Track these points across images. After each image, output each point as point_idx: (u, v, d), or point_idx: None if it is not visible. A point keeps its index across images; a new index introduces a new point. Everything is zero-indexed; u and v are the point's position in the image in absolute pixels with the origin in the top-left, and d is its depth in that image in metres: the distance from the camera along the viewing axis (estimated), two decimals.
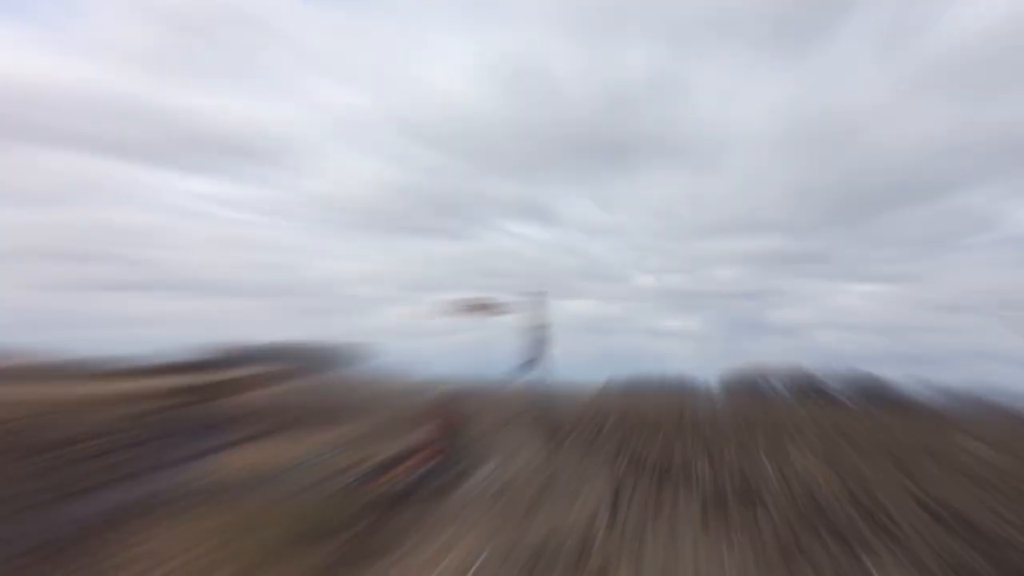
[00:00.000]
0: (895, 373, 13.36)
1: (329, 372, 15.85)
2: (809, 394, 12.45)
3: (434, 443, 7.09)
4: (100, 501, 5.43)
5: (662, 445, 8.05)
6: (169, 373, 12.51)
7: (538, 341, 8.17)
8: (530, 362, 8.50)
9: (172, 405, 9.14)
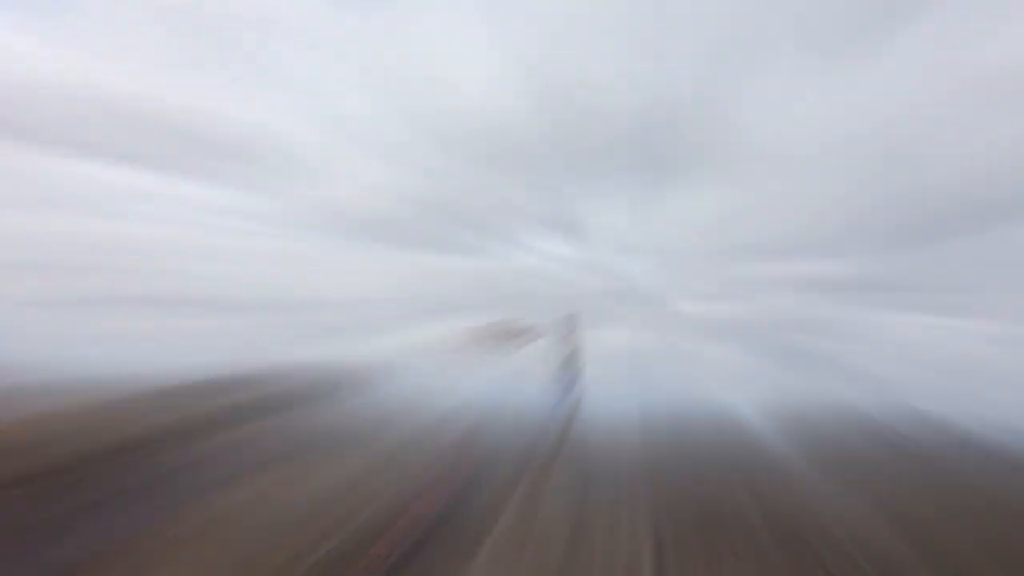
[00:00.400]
0: (973, 419, 12.31)
1: (335, 399, 15.22)
2: (874, 440, 11.50)
3: (444, 489, 6.37)
4: (67, 547, 4.87)
5: (711, 494, 7.26)
6: (163, 398, 11.96)
7: (569, 370, 7.39)
8: (560, 394, 7.69)
9: (161, 436, 8.59)
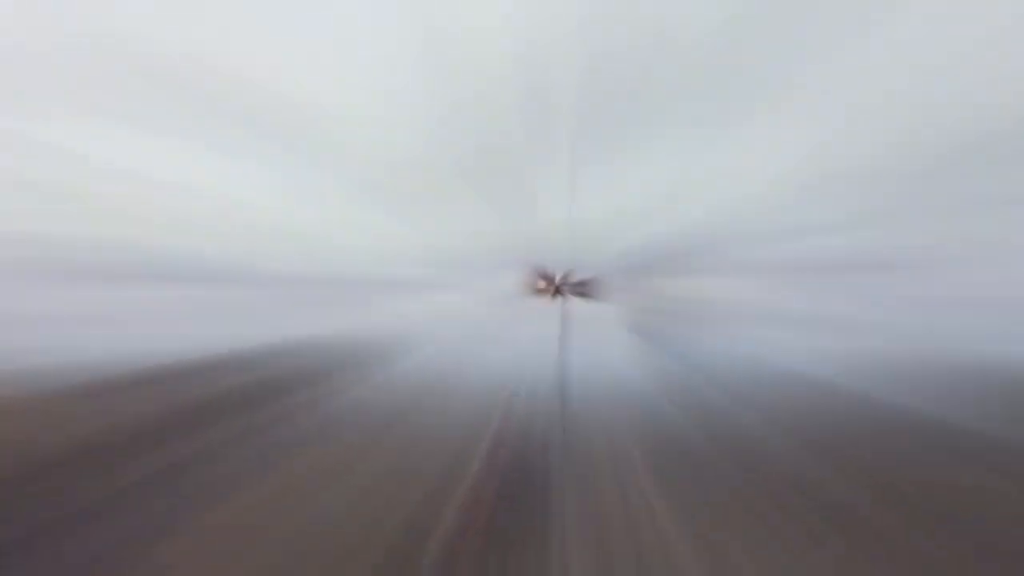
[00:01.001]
0: None
1: (351, 376, 14.15)
2: None
3: (489, 502, 5.01)
4: (67, 552, 3.97)
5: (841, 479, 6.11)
6: (170, 378, 10.88)
7: (648, 335, 5.64)
8: (654, 363, 5.98)
9: (168, 422, 7.59)
